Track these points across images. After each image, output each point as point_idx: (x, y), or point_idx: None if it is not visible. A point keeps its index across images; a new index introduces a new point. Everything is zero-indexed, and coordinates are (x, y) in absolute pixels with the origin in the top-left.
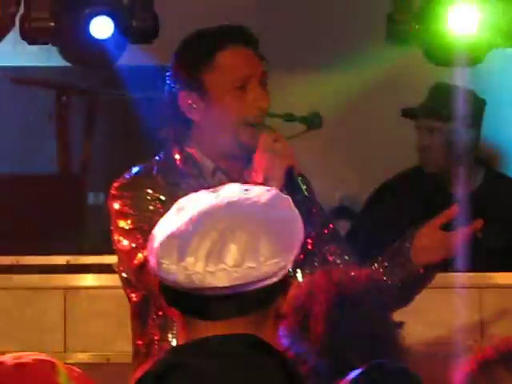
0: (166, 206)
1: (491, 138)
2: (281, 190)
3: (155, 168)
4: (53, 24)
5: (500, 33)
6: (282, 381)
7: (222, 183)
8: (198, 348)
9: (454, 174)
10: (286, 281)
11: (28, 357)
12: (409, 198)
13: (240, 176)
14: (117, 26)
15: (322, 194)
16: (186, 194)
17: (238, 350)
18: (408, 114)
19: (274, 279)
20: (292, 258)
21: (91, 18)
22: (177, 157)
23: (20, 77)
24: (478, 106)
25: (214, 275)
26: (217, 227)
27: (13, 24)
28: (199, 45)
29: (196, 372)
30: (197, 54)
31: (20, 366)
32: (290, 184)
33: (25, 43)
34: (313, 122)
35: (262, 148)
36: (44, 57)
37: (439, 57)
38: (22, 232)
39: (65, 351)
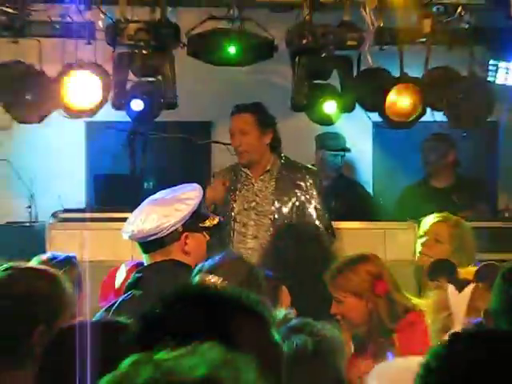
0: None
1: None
2: None
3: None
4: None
5: (339, 108)
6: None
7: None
8: (148, 268)
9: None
10: (179, 232)
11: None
12: None
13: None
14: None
15: None
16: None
17: (167, 266)
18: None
19: (163, 233)
20: (170, 222)
21: (131, 99)
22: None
23: (110, 125)
24: (344, 141)
25: (130, 233)
26: (143, 209)
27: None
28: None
29: (149, 280)
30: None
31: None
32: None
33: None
34: None
35: None
36: (121, 115)
37: (319, 119)
38: (113, 202)
39: (131, 259)
